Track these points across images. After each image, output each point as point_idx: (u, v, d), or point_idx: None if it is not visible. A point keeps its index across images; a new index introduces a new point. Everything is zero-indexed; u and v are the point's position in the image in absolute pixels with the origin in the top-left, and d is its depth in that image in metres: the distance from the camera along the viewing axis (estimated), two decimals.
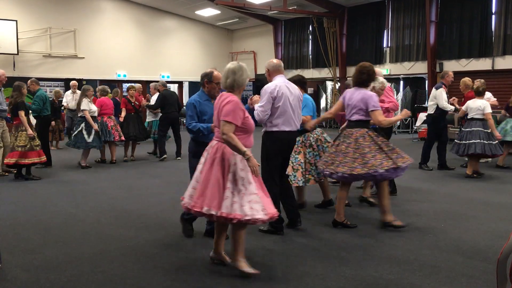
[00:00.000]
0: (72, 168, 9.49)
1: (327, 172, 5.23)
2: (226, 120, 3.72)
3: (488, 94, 10.04)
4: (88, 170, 9.28)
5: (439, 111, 8.83)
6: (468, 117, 8.47)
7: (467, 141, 8.28)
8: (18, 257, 4.35)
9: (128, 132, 10.40)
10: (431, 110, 9.01)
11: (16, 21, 17.49)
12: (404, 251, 4.51)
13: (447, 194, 7.07)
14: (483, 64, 14.59)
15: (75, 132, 9.42)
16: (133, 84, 13.06)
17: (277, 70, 5.01)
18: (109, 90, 10.87)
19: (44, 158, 8.38)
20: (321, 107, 21.13)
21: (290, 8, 18.03)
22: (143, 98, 11.64)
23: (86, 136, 9.34)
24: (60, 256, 4.39)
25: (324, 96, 20.90)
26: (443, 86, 8.84)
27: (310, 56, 20.41)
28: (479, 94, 8.40)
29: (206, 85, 4.74)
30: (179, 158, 10.67)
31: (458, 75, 13.48)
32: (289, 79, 5.22)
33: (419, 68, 16.52)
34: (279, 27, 21.52)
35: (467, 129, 8.41)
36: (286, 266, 4.14)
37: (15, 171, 8.32)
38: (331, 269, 4.07)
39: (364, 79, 5.22)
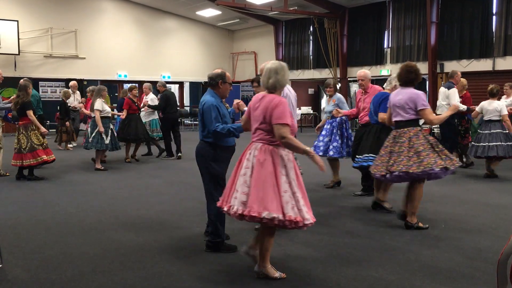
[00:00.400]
0: (72, 168, 9.49)
1: (378, 175, 5.32)
2: (282, 123, 3.62)
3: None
4: (88, 171, 9.27)
5: None
6: (485, 118, 8.49)
7: (487, 143, 8.25)
8: (18, 257, 4.35)
9: (136, 132, 10.31)
10: (443, 110, 8.93)
11: (17, 21, 17.54)
12: (405, 252, 4.51)
13: (447, 194, 7.07)
14: (484, 64, 14.58)
15: (93, 134, 9.30)
16: (134, 84, 13.03)
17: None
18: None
19: (53, 156, 8.35)
20: (322, 108, 21.12)
21: (291, 8, 18.04)
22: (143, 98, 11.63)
23: (104, 137, 9.31)
24: (60, 256, 4.39)
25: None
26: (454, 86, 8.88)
27: (311, 57, 20.41)
28: (493, 95, 8.44)
29: (221, 86, 4.57)
30: (180, 154, 10.80)
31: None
32: None
33: (420, 68, 16.21)
34: (280, 28, 21.52)
35: (486, 131, 8.38)
36: (286, 266, 4.14)
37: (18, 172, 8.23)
38: (331, 269, 4.07)
39: (412, 78, 5.35)
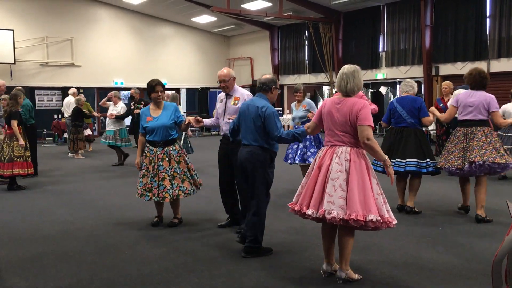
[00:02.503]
0: (69, 176, 9.48)
1: (454, 169, 5.73)
2: (368, 124, 3.71)
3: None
4: (84, 178, 9.26)
5: None
6: None
7: (509, 146, 8.29)
8: (16, 266, 4.35)
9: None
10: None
11: (13, 30, 17.54)
12: (402, 254, 4.53)
13: (444, 196, 7.09)
14: (479, 67, 14.63)
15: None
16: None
17: None
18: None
19: (31, 170, 8.14)
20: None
21: (286, 14, 18.11)
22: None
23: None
24: (58, 264, 4.39)
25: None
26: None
27: (307, 61, 20.47)
28: None
29: (273, 92, 4.62)
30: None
31: (454, 78, 13.55)
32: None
33: (415, 72, 16.57)
34: (275, 33, 21.60)
35: (509, 134, 8.43)
36: (284, 268, 4.15)
37: (7, 182, 8.14)
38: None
39: (485, 83, 5.88)
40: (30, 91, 17.80)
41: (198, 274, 4.12)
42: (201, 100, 23.12)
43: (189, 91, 23.42)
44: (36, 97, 18.67)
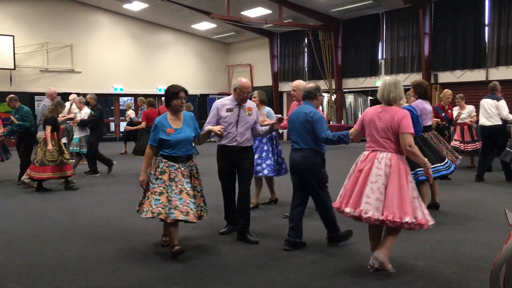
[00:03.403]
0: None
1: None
2: (410, 132, 4.04)
3: (470, 108, 10.27)
4: (83, 184, 9.24)
5: (503, 121, 9.22)
6: None
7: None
8: (14, 272, 4.34)
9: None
10: (492, 122, 9.05)
11: (13, 36, 17.60)
12: (400, 262, 4.52)
13: (443, 203, 7.08)
14: (477, 75, 14.70)
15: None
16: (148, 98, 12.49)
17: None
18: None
19: (70, 172, 8.60)
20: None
21: (286, 21, 18.18)
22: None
23: None
24: (56, 271, 4.38)
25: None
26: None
27: (306, 68, 20.52)
28: None
29: (318, 99, 5.10)
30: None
31: (453, 86, 13.59)
32: None
33: (414, 79, 16.58)
34: (275, 40, 21.67)
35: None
36: (282, 277, 4.14)
37: (35, 185, 8.51)
38: (329, 281, 4.07)
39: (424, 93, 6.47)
40: (29, 97, 17.83)
41: (197, 281, 4.11)
42: (200, 107, 23.14)
43: (189, 97, 23.44)
44: (36, 103, 18.65)
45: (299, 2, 17.24)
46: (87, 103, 10.52)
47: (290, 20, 18.49)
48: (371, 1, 15.79)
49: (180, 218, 4.56)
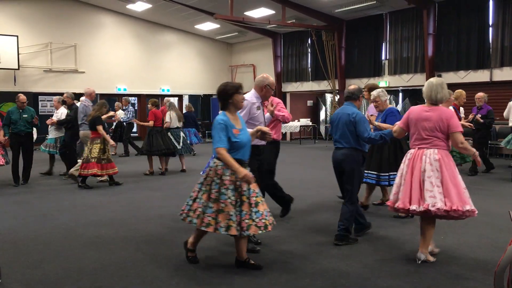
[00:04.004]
0: (71, 181, 9.46)
1: None
2: (460, 131, 4.37)
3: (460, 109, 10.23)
4: (87, 184, 9.25)
5: None
6: None
7: None
8: (18, 272, 4.35)
9: (159, 146, 10.23)
10: None
11: (17, 36, 17.65)
12: (404, 264, 4.51)
13: None
14: (481, 75, 14.65)
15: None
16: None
17: (254, 85, 5.23)
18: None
19: (113, 170, 8.92)
20: (321, 119, 21.19)
21: (289, 21, 18.16)
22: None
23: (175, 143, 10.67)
24: (59, 270, 4.39)
25: (323, 108, 20.98)
26: None
27: (309, 69, 20.51)
28: None
29: (360, 100, 5.36)
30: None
31: (457, 87, 13.53)
32: None
33: (418, 80, 16.58)
34: (278, 40, 21.66)
35: None
36: (284, 278, 4.13)
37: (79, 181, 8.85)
38: (331, 282, 4.07)
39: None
40: (33, 97, 17.87)
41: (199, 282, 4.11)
42: (203, 107, 23.18)
43: (192, 97, 23.47)
44: (40, 103, 18.74)
45: (303, 3, 17.23)
46: (64, 102, 10.30)
47: (294, 21, 18.47)
48: (374, 2, 15.76)
49: (242, 233, 4.15)
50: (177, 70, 22.20)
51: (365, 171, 6.39)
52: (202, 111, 23.32)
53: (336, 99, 19.48)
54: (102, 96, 20.22)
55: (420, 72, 16.39)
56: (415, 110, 4.58)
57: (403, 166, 4.55)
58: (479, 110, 10.32)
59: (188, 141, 12.17)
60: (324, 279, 4.14)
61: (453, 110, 4.64)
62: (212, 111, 22.77)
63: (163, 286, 4.01)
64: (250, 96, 5.12)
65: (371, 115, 6.52)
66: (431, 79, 4.59)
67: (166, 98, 11.19)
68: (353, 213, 5.18)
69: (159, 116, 10.55)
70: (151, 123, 10.32)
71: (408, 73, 16.83)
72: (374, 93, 6.45)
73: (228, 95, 4.30)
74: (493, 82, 14.28)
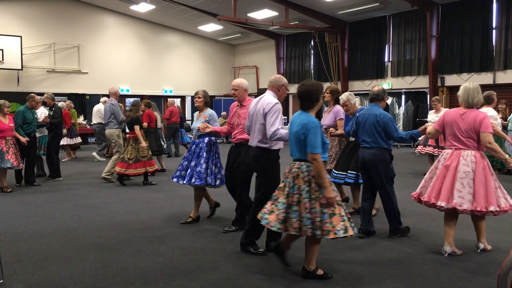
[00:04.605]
0: (74, 182, 9.48)
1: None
2: (489, 132, 4.57)
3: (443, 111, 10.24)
4: (89, 185, 9.28)
5: None
6: None
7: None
8: (19, 272, 4.35)
9: (151, 146, 10.24)
10: None
11: (21, 37, 17.70)
12: (407, 266, 4.50)
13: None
14: (485, 78, 14.64)
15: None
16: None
17: (268, 86, 4.96)
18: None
19: (155, 167, 9.37)
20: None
21: (292, 23, 18.19)
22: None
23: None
24: (61, 271, 4.39)
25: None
26: None
27: (312, 71, 20.52)
28: None
29: (385, 100, 5.56)
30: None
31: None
32: None
33: (421, 82, 16.58)
34: (281, 42, 21.68)
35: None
36: (287, 280, 4.13)
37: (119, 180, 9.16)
38: (332, 285, 4.06)
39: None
40: None
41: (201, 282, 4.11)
42: None
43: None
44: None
45: (306, 4, 17.24)
46: (44, 103, 10.11)
47: (297, 22, 18.49)
48: (377, 4, 15.77)
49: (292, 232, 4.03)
50: (180, 71, 22.24)
51: (346, 172, 6.38)
52: None
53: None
54: (105, 96, 20.30)
55: (423, 74, 16.39)
56: (451, 113, 4.80)
57: (438, 163, 4.81)
58: None
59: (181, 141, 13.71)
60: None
61: (485, 112, 4.81)
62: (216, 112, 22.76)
63: (165, 287, 4.01)
64: (273, 98, 4.81)
65: (340, 118, 6.72)
66: (467, 84, 4.82)
67: (170, 99, 11.27)
68: (395, 207, 5.40)
69: (153, 117, 10.64)
70: (145, 124, 10.34)
71: (411, 75, 16.82)
72: (343, 97, 6.30)
73: (319, 96, 4.17)
74: (497, 85, 14.27)
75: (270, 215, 4.08)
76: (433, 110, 10.25)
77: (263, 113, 4.68)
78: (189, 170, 6.02)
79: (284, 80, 4.98)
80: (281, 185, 4.15)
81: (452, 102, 15.02)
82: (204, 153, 6.00)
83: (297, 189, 3.98)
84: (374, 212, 6.21)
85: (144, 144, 8.93)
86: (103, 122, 11.54)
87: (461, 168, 4.58)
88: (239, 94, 5.63)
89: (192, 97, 23.08)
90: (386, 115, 5.33)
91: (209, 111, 6.28)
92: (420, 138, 7.98)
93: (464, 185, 4.55)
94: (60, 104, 12.17)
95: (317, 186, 3.94)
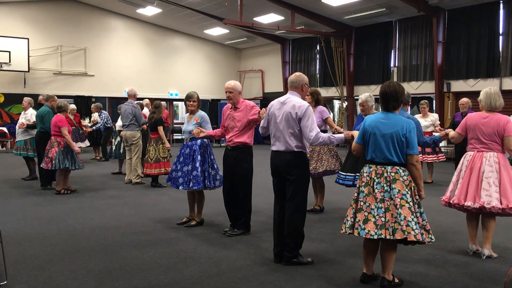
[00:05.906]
0: (78, 184, 9.50)
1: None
2: None
3: (434, 116, 10.17)
4: (93, 187, 9.30)
5: None
6: None
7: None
8: (23, 273, 4.36)
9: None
10: None
11: (28, 39, 17.80)
12: (412, 273, 4.47)
13: (455, 213, 6.99)
14: (491, 84, 14.57)
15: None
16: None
17: (290, 87, 4.73)
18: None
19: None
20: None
21: (298, 27, 18.19)
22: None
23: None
24: (65, 272, 4.39)
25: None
26: None
27: (318, 75, 20.50)
28: None
29: (409, 103, 5.77)
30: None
31: (466, 95, 13.48)
32: None
33: (427, 87, 16.53)
34: (287, 46, 21.69)
35: None
36: (291, 284, 4.11)
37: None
38: None
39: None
40: None
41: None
42: (211, 111, 23.22)
43: (201, 102, 23.59)
44: None
45: (312, 9, 17.24)
46: (41, 105, 9.93)
47: (303, 27, 18.49)
48: (384, 9, 15.75)
49: (388, 237, 3.90)
50: (186, 74, 22.29)
51: (343, 174, 6.47)
52: (210, 116, 23.32)
53: (344, 106, 19.45)
54: (110, 99, 20.40)
55: (429, 80, 16.33)
56: (473, 116, 4.95)
57: (461, 166, 4.94)
58: (464, 116, 10.19)
59: None
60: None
61: (508, 116, 4.96)
62: (220, 115, 22.78)
63: None
64: (301, 100, 4.62)
65: (327, 117, 7.10)
66: (487, 89, 4.94)
67: (175, 103, 11.30)
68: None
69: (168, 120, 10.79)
70: (144, 126, 10.36)
71: (417, 81, 16.77)
72: (362, 97, 6.26)
73: (404, 97, 4.18)
74: (503, 91, 14.17)
75: (366, 224, 3.87)
76: (420, 114, 10.16)
77: (296, 117, 4.48)
78: (184, 176, 5.94)
79: (306, 78, 4.74)
80: (365, 190, 3.94)
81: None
82: (199, 156, 5.92)
83: (397, 193, 3.84)
84: None
85: (168, 144, 9.16)
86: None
87: (485, 169, 4.74)
88: (234, 96, 5.60)
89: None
90: (413, 122, 5.22)
91: (201, 113, 6.23)
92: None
93: (491, 184, 4.68)
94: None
95: (416, 190, 3.95)
